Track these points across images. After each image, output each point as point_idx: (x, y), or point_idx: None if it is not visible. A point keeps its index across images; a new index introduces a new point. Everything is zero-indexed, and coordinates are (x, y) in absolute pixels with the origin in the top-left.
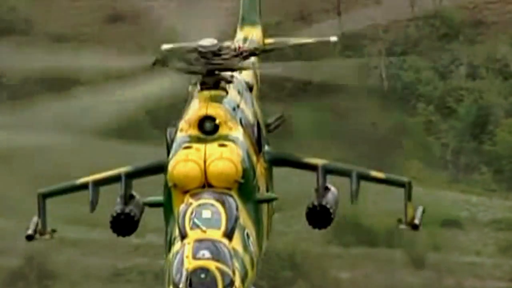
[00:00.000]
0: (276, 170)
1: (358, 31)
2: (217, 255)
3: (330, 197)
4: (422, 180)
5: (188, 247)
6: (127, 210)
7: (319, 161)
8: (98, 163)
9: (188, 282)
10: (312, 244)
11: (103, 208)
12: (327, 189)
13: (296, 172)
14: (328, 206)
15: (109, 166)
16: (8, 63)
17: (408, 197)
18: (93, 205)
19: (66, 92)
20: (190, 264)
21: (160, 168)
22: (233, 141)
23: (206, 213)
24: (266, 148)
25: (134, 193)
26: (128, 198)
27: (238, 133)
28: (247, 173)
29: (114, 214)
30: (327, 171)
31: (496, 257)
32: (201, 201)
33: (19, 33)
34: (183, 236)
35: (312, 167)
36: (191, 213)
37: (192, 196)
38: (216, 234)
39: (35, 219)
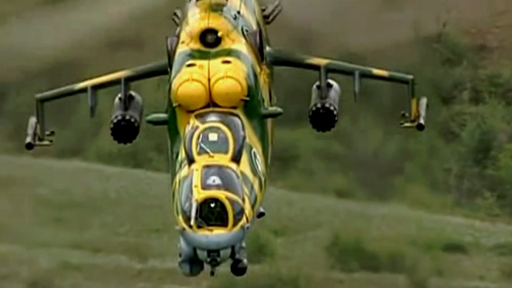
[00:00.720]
0: (282, 200)
1: (360, 56)
2: (226, 183)
3: (333, 95)
4: (425, 205)
5: (196, 174)
6: (127, 116)
7: (321, 60)
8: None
9: (198, 212)
10: (315, 269)
11: (106, 229)
12: (329, 85)
13: (299, 198)
14: (331, 108)
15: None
16: None
17: (412, 94)
18: (93, 110)
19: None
20: (199, 194)
21: (160, 71)
22: (237, 56)
23: (213, 137)
24: (268, 49)
25: (133, 93)
26: (128, 101)
27: (241, 45)
28: (252, 90)
29: (115, 121)
30: (330, 70)
31: (500, 282)
32: (207, 125)
33: None
34: (191, 160)
35: (314, 67)
36: (198, 137)
37: (198, 117)
38: (224, 159)
39: (32, 123)
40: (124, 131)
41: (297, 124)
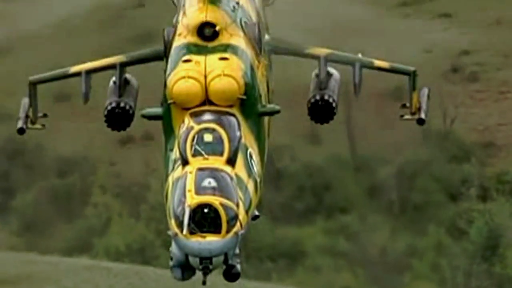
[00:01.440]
0: None
1: (369, 153)
2: (220, 188)
3: (332, 85)
4: None
5: (190, 177)
6: (122, 103)
7: (321, 50)
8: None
9: (191, 218)
10: None
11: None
12: (328, 74)
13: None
14: (330, 100)
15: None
16: None
17: (413, 87)
18: (86, 96)
19: None
20: (193, 200)
21: (156, 57)
22: (234, 52)
23: (208, 137)
24: (266, 37)
25: (128, 76)
26: (123, 86)
27: (239, 39)
28: (250, 88)
29: (109, 108)
30: (330, 61)
31: None
32: (203, 125)
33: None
34: (185, 162)
35: (314, 57)
36: (192, 139)
37: (193, 116)
38: (219, 161)
39: (24, 105)
40: (119, 118)
41: (304, 222)
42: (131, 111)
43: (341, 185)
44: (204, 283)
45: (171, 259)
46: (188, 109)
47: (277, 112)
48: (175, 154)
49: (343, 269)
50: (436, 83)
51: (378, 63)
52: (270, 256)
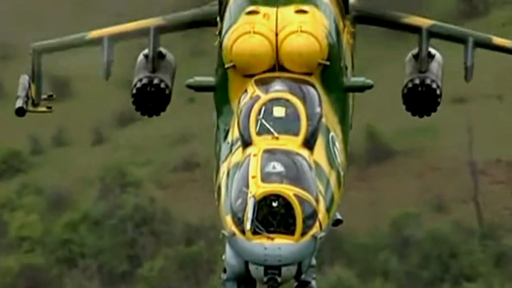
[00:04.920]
0: None
1: (496, 221)
2: (294, 176)
3: (435, 68)
4: None
5: (254, 161)
6: (156, 80)
7: (423, 21)
8: None
9: (255, 213)
10: None
11: None
12: (430, 55)
13: None
14: (434, 86)
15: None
16: None
17: None
18: (108, 68)
19: None
20: (258, 188)
21: (204, 22)
22: (315, 4)
23: (279, 112)
24: (352, 0)
25: (163, 50)
26: (157, 60)
27: None
28: (334, 52)
29: (139, 85)
30: (433, 34)
31: None
32: (272, 95)
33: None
34: (247, 143)
35: (414, 29)
36: (258, 112)
37: (259, 84)
38: (293, 142)
39: (24, 83)
40: (151, 99)
41: None
42: (167, 91)
43: (467, 253)
44: None
45: (224, 271)
46: (251, 75)
47: (370, 86)
48: (232, 134)
49: None
50: None
51: (497, 40)
52: None
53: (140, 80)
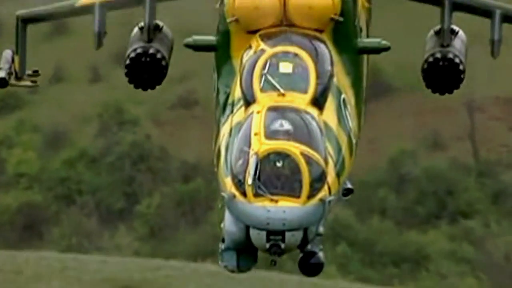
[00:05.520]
0: None
1: (492, 158)
2: (302, 135)
3: (458, 45)
4: None
5: (257, 118)
6: (151, 50)
7: None
8: None
9: (258, 173)
10: None
11: None
12: (453, 32)
13: None
14: (456, 60)
15: None
16: None
17: None
18: (100, 38)
19: None
20: (261, 145)
21: None
22: None
23: (286, 67)
24: None
25: (159, 22)
26: (152, 30)
27: None
28: (348, 8)
29: (132, 55)
30: (457, 6)
31: None
32: (279, 48)
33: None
34: (250, 100)
35: (434, 1)
36: (263, 66)
37: (264, 38)
38: (301, 100)
39: (7, 56)
40: (145, 70)
41: (427, 227)
42: (163, 62)
43: (464, 191)
44: (273, 262)
45: (223, 240)
46: (256, 31)
47: (387, 49)
48: (233, 95)
49: (467, 274)
50: None
51: None
52: (394, 261)
53: (134, 50)
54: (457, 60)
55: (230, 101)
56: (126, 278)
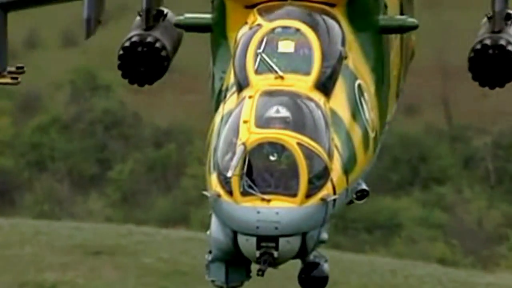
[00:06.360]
0: None
1: (465, 123)
2: (301, 123)
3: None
4: None
5: (248, 103)
6: (149, 38)
7: None
8: None
9: (246, 166)
10: None
11: None
12: (509, 17)
13: (403, 266)
14: (509, 48)
15: None
16: None
17: None
18: (89, 26)
19: None
20: (250, 135)
21: None
22: None
23: (286, 45)
24: None
25: (164, 9)
26: (153, 17)
27: None
28: None
29: (127, 45)
30: None
31: None
32: (278, 23)
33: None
34: (242, 85)
35: None
36: (258, 45)
37: (262, 12)
38: (302, 83)
39: None
40: (142, 62)
41: (400, 193)
42: (163, 53)
43: (437, 157)
44: (260, 272)
45: (210, 252)
46: (255, 6)
47: (415, 27)
48: (227, 79)
49: (438, 240)
50: None
51: None
52: (366, 228)
53: (130, 38)
54: (510, 48)
55: (224, 87)
56: (98, 244)
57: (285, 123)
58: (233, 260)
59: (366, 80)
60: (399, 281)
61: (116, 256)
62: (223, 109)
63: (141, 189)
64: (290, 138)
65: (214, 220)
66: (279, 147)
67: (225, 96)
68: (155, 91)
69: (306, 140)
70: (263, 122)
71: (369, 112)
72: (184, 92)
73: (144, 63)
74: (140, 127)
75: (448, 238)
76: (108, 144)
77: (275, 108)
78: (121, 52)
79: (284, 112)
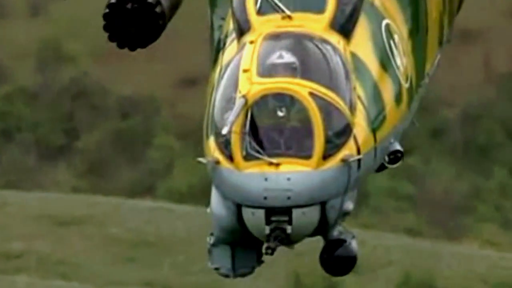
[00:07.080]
0: None
1: (432, 95)
2: (314, 69)
3: None
4: (496, 244)
5: (249, 49)
6: None
7: None
8: None
9: (248, 124)
10: None
11: (178, 268)
12: None
13: (370, 236)
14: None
15: None
16: None
17: None
18: None
19: None
20: (252, 85)
21: None
22: None
23: None
24: None
25: None
26: None
27: None
28: None
29: (114, 0)
30: None
31: None
32: None
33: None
34: (243, 29)
35: None
36: None
37: None
38: (315, 22)
39: None
40: (133, 22)
41: None
42: (158, 9)
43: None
44: (270, 250)
45: (211, 234)
46: None
47: None
48: (227, 25)
49: (406, 211)
50: (499, 24)
51: None
52: None
53: None
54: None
55: (223, 35)
56: (65, 214)
57: (293, 69)
58: (240, 242)
59: (396, 19)
60: (367, 252)
61: (83, 226)
62: (222, 60)
63: (108, 159)
64: (300, 87)
65: (214, 193)
66: (287, 99)
67: (224, 45)
68: (121, 60)
69: (320, 89)
70: (266, 70)
71: (401, 58)
72: (150, 60)
73: (135, 23)
74: (107, 97)
75: (416, 209)
76: (75, 114)
77: (280, 53)
78: (106, 10)
79: (291, 57)
